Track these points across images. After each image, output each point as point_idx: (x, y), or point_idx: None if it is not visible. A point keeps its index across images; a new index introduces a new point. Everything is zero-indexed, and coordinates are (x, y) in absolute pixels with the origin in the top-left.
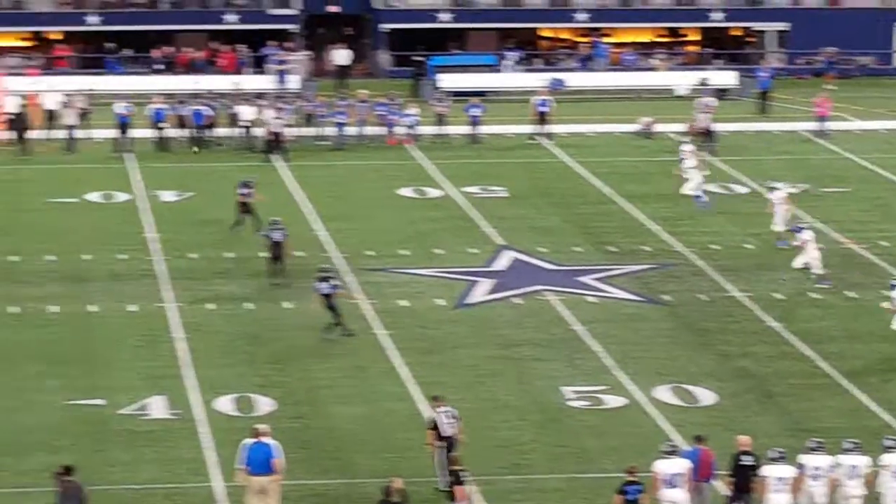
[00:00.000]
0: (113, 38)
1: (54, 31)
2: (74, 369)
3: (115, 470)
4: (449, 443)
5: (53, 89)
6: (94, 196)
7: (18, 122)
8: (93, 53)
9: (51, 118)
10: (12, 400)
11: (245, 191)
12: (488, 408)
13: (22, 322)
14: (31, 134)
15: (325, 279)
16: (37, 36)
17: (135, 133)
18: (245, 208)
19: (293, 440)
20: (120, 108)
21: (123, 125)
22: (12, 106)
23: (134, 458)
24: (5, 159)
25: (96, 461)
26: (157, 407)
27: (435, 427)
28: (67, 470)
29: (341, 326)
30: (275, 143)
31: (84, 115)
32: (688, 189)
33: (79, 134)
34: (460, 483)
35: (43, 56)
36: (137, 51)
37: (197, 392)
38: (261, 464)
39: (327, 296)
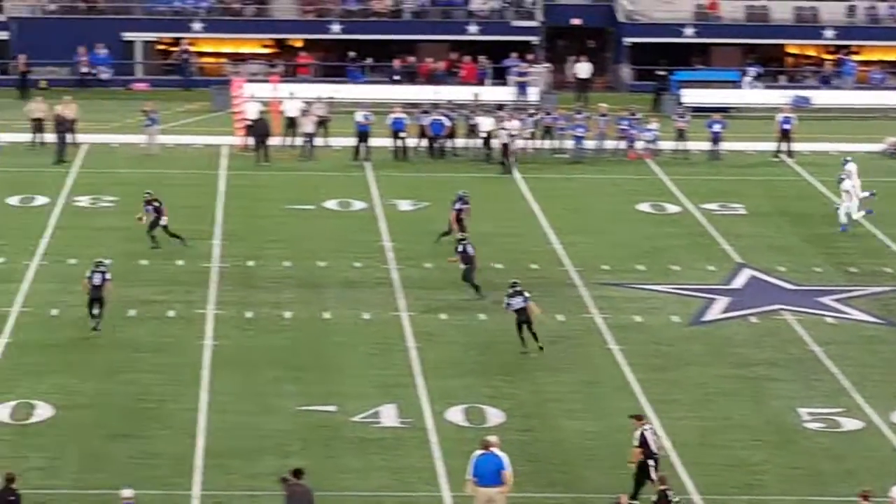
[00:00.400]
0: (355, 47)
1: (297, 39)
2: (308, 375)
3: (345, 476)
4: (655, 460)
5: (294, 97)
6: (331, 204)
7: (258, 129)
8: (334, 62)
9: (291, 125)
10: (248, 404)
11: (460, 206)
12: (720, 426)
13: (257, 327)
14: (271, 141)
15: (517, 293)
16: (279, 43)
17: (373, 142)
18: (460, 224)
19: (521, 453)
20: (360, 116)
21: (363, 134)
22: (252, 112)
23: (365, 465)
24: (244, 165)
25: (327, 467)
26: (389, 415)
27: (643, 444)
28: (297, 473)
29: (534, 339)
30: (505, 155)
31: (323, 122)
32: (852, 210)
33: (317, 141)
34: (668, 501)
35: (285, 63)
36: (379, 60)
37: (428, 401)
38: (489, 475)
39: (520, 310)
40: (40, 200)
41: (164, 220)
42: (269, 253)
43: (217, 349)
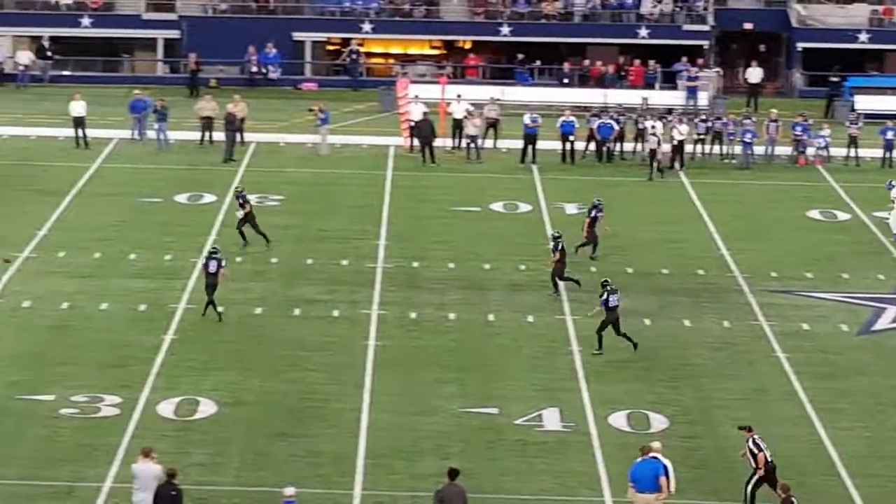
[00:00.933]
0: (523, 49)
1: (465, 40)
2: (471, 377)
3: (506, 479)
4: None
5: (461, 98)
6: (497, 206)
7: (422, 130)
8: (503, 64)
9: (457, 127)
10: (410, 405)
11: (595, 213)
12: (889, 437)
13: (421, 328)
14: (436, 142)
15: (612, 291)
16: (448, 44)
17: (541, 145)
18: (591, 231)
19: (685, 459)
20: (527, 119)
21: (530, 136)
22: (416, 114)
23: (526, 468)
24: (410, 166)
25: (488, 469)
26: (551, 419)
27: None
28: (452, 474)
29: (628, 339)
30: (652, 159)
31: (494, 124)
32: None
33: (486, 143)
34: None
35: (453, 65)
36: (547, 62)
37: (591, 406)
38: (647, 481)
39: (612, 309)
40: (208, 198)
41: (240, 213)
42: (433, 254)
43: (380, 349)
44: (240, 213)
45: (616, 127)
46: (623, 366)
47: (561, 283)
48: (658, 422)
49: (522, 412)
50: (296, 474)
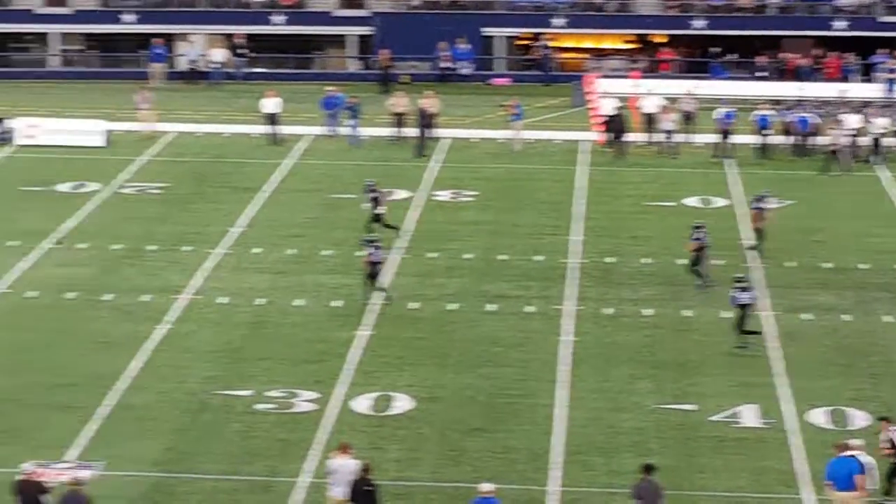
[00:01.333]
0: (717, 43)
1: (659, 34)
2: (667, 373)
3: (703, 476)
4: None
5: (653, 93)
6: (691, 201)
7: (614, 125)
8: (697, 58)
9: (649, 122)
10: (606, 400)
11: (760, 205)
12: None
13: (616, 324)
14: (628, 137)
15: (744, 289)
16: (641, 39)
17: (736, 139)
18: (758, 230)
19: (888, 457)
20: (721, 113)
21: (725, 130)
22: (608, 108)
23: (723, 465)
24: (604, 161)
25: (685, 466)
26: (749, 415)
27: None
28: (648, 469)
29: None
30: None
31: (688, 118)
32: None
33: (678, 138)
34: None
35: (646, 59)
36: (742, 56)
37: (790, 402)
38: (843, 479)
39: (744, 306)
40: (401, 194)
41: (381, 209)
42: (628, 249)
43: (575, 345)
44: (380, 209)
45: (814, 121)
46: (822, 362)
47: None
48: (858, 419)
49: (719, 408)
50: (491, 470)
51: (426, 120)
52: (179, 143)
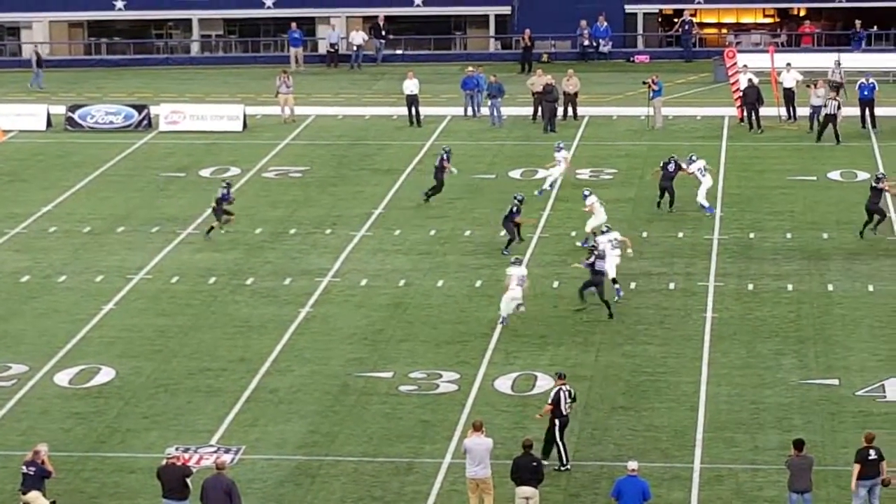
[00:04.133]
0: (859, 15)
1: (800, 7)
2: (810, 348)
3: (847, 452)
4: (563, 422)
5: (791, 67)
6: (834, 174)
7: (748, 98)
8: (838, 30)
9: (788, 96)
10: (749, 376)
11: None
12: None
13: (758, 299)
14: (764, 111)
15: (599, 257)
16: (782, 12)
17: (880, 111)
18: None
19: None
20: (863, 85)
21: (867, 102)
22: (744, 82)
23: None
24: (744, 136)
25: (829, 441)
26: (894, 389)
27: (555, 403)
28: (798, 445)
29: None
30: None
31: (837, 88)
32: None
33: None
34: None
35: (787, 33)
36: (883, 28)
37: None
38: None
39: (599, 273)
40: (541, 173)
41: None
42: (770, 224)
43: (717, 321)
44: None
45: None
46: None
47: None
48: None
49: (864, 383)
50: (635, 448)
51: (553, 94)
52: (319, 126)
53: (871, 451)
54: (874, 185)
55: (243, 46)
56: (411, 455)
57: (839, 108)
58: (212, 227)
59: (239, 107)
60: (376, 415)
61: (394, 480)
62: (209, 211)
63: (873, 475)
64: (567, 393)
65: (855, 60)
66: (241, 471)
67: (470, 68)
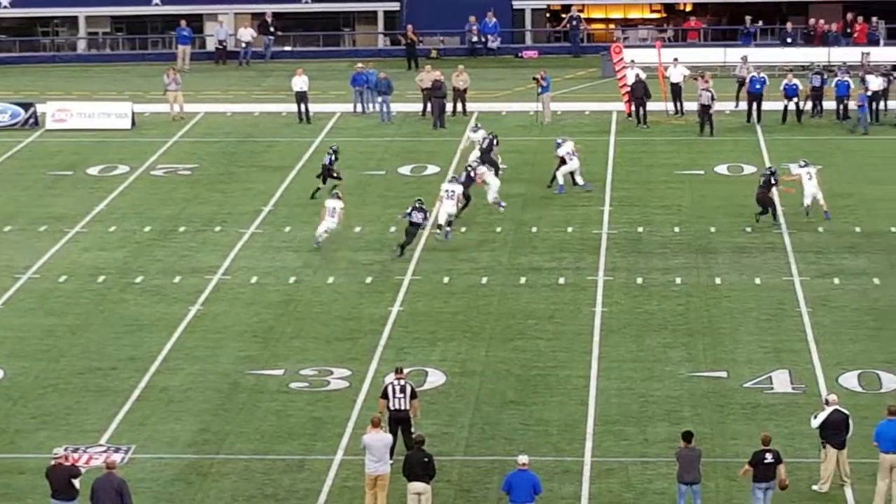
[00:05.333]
0: (745, 10)
1: (686, 3)
2: (698, 341)
3: (736, 443)
4: (392, 416)
5: (678, 62)
6: (721, 168)
7: (635, 92)
8: (724, 26)
9: (676, 91)
10: (638, 370)
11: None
12: None
13: (647, 293)
14: (651, 106)
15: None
16: (668, 8)
17: (766, 105)
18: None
19: None
20: (752, 79)
21: (754, 96)
22: (631, 77)
23: (756, 431)
24: (632, 131)
25: (718, 433)
26: (781, 381)
27: (384, 395)
28: (687, 437)
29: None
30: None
31: (741, 83)
32: None
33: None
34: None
35: (674, 28)
36: (769, 22)
37: (821, 367)
38: (893, 441)
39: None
40: (431, 170)
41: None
42: (659, 219)
43: (607, 315)
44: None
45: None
46: (853, 326)
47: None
48: (890, 381)
49: (752, 375)
50: (525, 442)
51: (441, 91)
52: (208, 123)
53: (768, 455)
54: (769, 181)
55: (131, 44)
56: (303, 452)
57: (713, 99)
58: (318, 189)
59: (127, 104)
60: (267, 412)
61: (285, 478)
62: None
63: (769, 478)
64: (398, 388)
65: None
66: (131, 470)
67: (360, 65)
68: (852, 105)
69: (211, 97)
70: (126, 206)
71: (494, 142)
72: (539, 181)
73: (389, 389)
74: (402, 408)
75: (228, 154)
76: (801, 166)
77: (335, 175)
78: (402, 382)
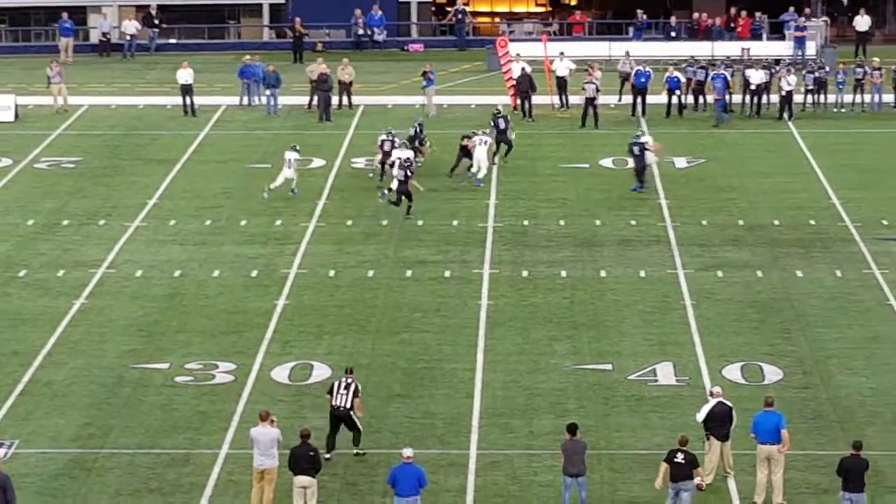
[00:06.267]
0: (630, 4)
1: None
2: (584, 334)
3: (621, 434)
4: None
5: (564, 56)
6: (606, 162)
7: (521, 86)
8: (610, 19)
9: (562, 85)
10: (524, 363)
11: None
12: None
13: (533, 286)
14: (537, 99)
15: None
16: (554, 2)
17: (651, 99)
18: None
19: (801, 410)
20: (636, 73)
21: (639, 90)
22: (517, 71)
23: (641, 423)
24: (520, 124)
25: (603, 425)
26: (665, 373)
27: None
28: (572, 429)
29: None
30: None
31: (625, 79)
32: None
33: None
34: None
35: (559, 21)
36: (653, 17)
37: (705, 359)
38: (769, 433)
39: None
40: (317, 163)
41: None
42: (544, 212)
43: (492, 308)
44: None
45: (730, 79)
46: (736, 319)
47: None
48: (772, 373)
49: (636, 367)
50: (411, 436)
51: (327, 84)
52: (92, 116)
53: (679, 455)
54: (643, 147)
55: (13, 36)
56: (188, 446)
57: (597, 91)
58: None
59: (10, 97)
60: (152, 406)
61: (170, 472)
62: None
63: (681, 478)
64: (343, 385)
65: (631, 50)
66: (15, 465)
67: (247, 57)
68: (710, 99)
69: (95, 90)
70: (9, 199)
71: (509, 119)
72: (424, 174)
73: (335, 386)
74: (343, 405)
75: (113, 147)
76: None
77: (421, 146)
78: (349, 380)
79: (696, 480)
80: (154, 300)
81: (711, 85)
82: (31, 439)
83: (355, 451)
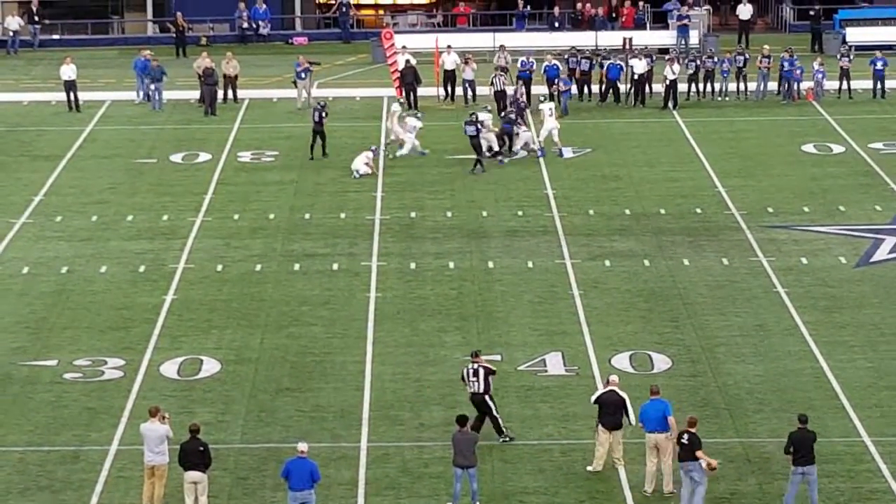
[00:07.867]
0: None
1: None
2: (472, 325)
3: (511, 425)
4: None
5: (451, 49)
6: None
7: (405, 78)
8: (493, 10)
9: (449, 78)
10: (413, 355)
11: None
12: (891, 368)
13: (421, 278)
14: (422, 91)
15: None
16: None
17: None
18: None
19: (689, 398)
20: (520, 64)
21: (525, 81)
22: (401, 63)
23: (531, 413)
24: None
25: None
26: (555, 363)
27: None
28: (462, 421)
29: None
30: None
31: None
32: None
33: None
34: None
35: (443, 13)
36: (538, 7)
37: (593, 349)
38: (656, 421)
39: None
40: (203, 157)
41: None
42: (431, 203)
43: (381, 301)
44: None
45: (624, 68)
46: (624, 308)
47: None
48: (661, 362)
49: (526, 358)
50: (301, 429)
51: (213, 78)
52: None
53: (685, 435)
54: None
55: None
56: (77, 443)
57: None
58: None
59: None
60: (41, 403)
61: (60, 469)
62: None
63: (687, 458)
64: (471, 371)
65: (516, 40)
66: None
67: (146, 52)
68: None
69: None
70: None
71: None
72: (310, 167)
73: (464, 373)
74: (479, 391)
75: None
76: (541, 101)
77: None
78: (476, 366)
79: (702, 462)
80: (41, 297)
81: (606, 74)
82: None
83: (500, 439)
